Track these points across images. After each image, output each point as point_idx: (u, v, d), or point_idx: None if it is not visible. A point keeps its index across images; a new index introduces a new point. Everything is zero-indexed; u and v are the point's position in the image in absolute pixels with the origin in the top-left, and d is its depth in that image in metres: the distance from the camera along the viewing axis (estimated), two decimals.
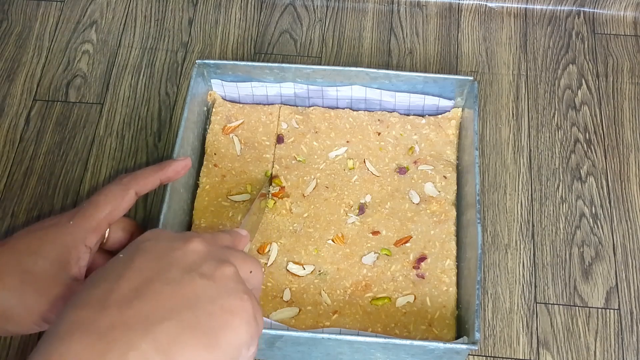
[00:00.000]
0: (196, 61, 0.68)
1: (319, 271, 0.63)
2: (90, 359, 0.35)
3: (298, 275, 0.62)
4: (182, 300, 0.40)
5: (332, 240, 0.64)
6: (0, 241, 0.57)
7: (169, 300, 0.39)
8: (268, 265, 0.63)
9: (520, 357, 0.63)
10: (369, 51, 0.79)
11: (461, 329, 0.60)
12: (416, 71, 0.74)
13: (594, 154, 0.72)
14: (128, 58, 0.79)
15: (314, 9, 0.82)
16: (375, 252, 0.63)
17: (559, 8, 0.81)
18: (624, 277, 0.66)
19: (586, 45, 0.79)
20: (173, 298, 0.40)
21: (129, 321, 0.38)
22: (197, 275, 0.42)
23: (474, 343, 0.54)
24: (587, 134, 0.74)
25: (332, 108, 0.71)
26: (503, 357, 0.63)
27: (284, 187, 0.67)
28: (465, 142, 0.67)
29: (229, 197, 0.66)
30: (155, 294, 0.39)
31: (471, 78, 0.67)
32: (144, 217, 0.69)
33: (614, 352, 0.63)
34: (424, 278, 0.62)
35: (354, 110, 0.71)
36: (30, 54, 0.79)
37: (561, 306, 0.65)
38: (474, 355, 0.63)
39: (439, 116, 0.70)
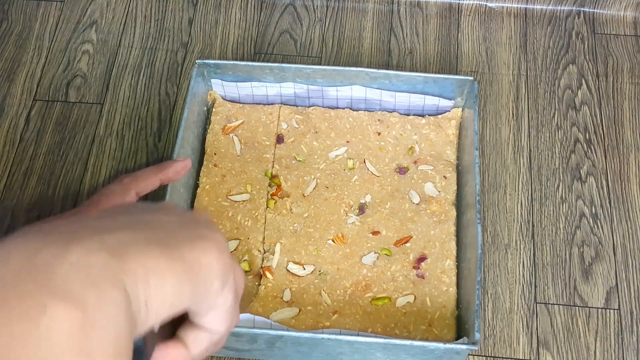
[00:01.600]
0: (196, 61, 0.68)
1: (319, 271, 0.63)
2: (30, 250, 0.30)
3: (298, 276, 0.62)
4: (141, 223, 0.34)
5: (332, 240, 0.64)
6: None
7: (127, 220, 0.34)
8: (272, 267, 0.63)
9: (520, 357, 0.63)
10: (369, 51, 0.79)
11: (461, 329, 0.60)
12: (416, 71, 0.74)
13: (594, 154, 0.72)
14: (128, 58, 0.79)
15: (314, 9, 0.82)
16: (375, 252, 0.63)
17: (559, 8, 0.81)
18: (624, 277, 0.66)
19: (586, 45, 0.79)
20: (131, 220, 0.34)
21: (77, 228, 0.32)
22: (164, 211, 0.36)
23: (474, 343, 0.54)
24: (587, 134, 0.74)
25: (332, 108, 0.71)
26: (503, 357, 0.63)
27: (281, 186, 0.67)
28: (465, 142, 0.67)
29: (228, 197, 0.66)
30: (111, 218, 0.34)
31: (471, 78, 0.67)
32: None
33: (614, 352, 0.63)
34: (424, 278, 0.62)
35: (354, 110, 0.71)
36: (30, 54, 0.79)
37: (561, 306, 0.65)
38: (474, 355, 0.63)
39: (439, 116, 0.70)
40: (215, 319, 0.37)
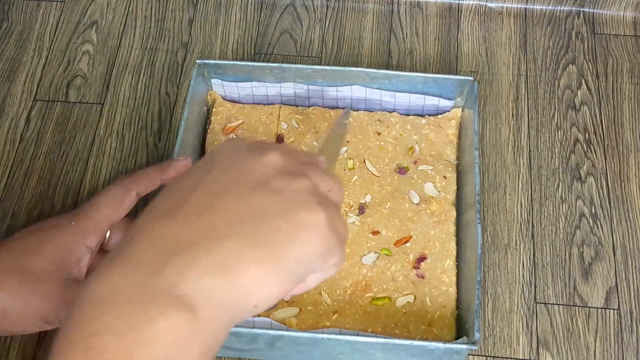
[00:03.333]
0: (196, 61, 0.68)
1: None
2: (152, 266, 0.36)
3: None
4: (247, 214, 0.38)
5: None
6: (0, 241, 0.57)
7: (235, 215, 0.38)
8: None
9: (520, 357, 0.63)
10: (369, 51, 0.79)
11: (461, 329, 0.60)
12: (416, 71, 0.74)
13: (594, 154, 0.72)
14: (128, 58, 0.79)
15: (314, 9, 0.83)
16: (375, 252, 0.63)
17: (559, 8, 0.81)
18: (623, 277, 0.66)
19: (586, 46, 0.79)
20: (239, 213, 0.38)
21: (193, 235, 0.37)
22: (268, 190, 0.40)
23: (473, 343, 0.54)
24: (586, 134, 0.74)
25: (332, 108, 0.72)
26: (503, 357, 0.63)
27: None
28: (465, 142, 0.67)
29: None
30: (222, 209, 0.38)
31: (471, 78, 0.67)
32: None
33: (614, 352, 0.63)
34: (424, 278, 0.62)
35: (354, 110, 0.71)
36: (31, 54, 0.79)
37: (561, 306, 0.65)
38: (473, 355, 0.63)
39: (439, 116, 0.70)
40: (325, 270, 0.42)
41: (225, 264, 0.36)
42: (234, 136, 0.70)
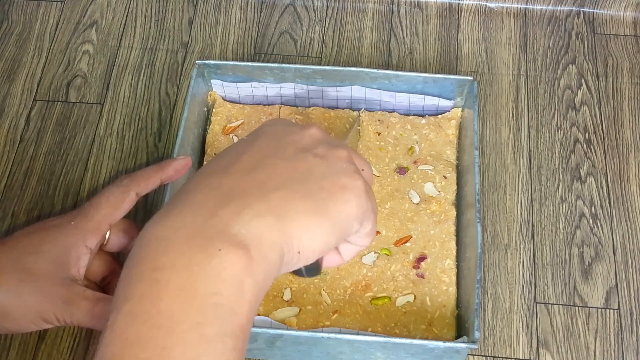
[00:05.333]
0: (196, 61, 0.68)
1: None
2: (210, 208, 0.39)
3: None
4: (295, 173, 0.42)
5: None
6: (0, 240, 0.57)
7: (283, 172, 0.42)
8: None
9: (520, 357, 0.63)
10: (369, 51, 0.80)
11: (461, 329, 0.60)
12: (416, 71, 0.75)
13: (594, 154, 0.72)
14: (128, 58, 0.79)
15: (314, 9, 0.83)
16: (375, 252, 0.63)
17: (559, 8, 0.81)
18: (623, 277, 0.66)
19: (586, 46, 0.79)
20: (287, 171, 0.42)
21: (246, 186, 0.40)
22: (312, 154, 0.44)
23: (473, 342, 0.54)
24: (586, 134, 0.74)
25: (332, 108, 0.72)
26: (503, 357, 0.63)
27: None
28: (465, 142, 0.67)
29: None
30: (271, 167, 0.42)
31: (471, 78, 0.67)
32: (145, 217, 0.69)
33: (614, 352, 0.63)
34: (423, 278, 0.62)
35: (353, 110, 0.71)
36: (31, 54, 0.79)
37: (561, 306, 0.65)
38: (473, 354, 0.63)
39: (439, 116, 0.70)
40: (359, 239, 0.46)
41: (276, 210, 0.40)
42: (234, 137, 0.70)
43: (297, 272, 0.45)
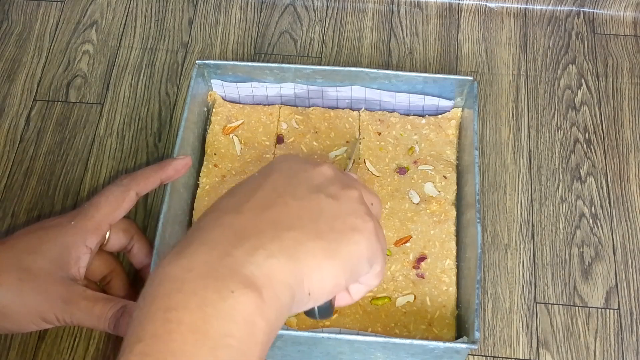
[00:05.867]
0: (196, 61, 0.68)
1: None
2: (224, 248, 0.39)
3: None
4: (307, 212, 0.43)
5: None
6: (0, 239, 0.57)
7: (296, 211, 0.43)
8: None
9: (520, 357, 0.63)
10: (369, 51, 0.79)
11: (461, 329, 0.60)
12: (416, 71, 0.74)
13: (594, 154, 0.72)
14: (128, 58, 0.79)
15: (314, 9, 0.83)
16: None
17: (559, 8, 0.81)
18: (623, 277, 0.66)
19: (586, 46, 0.79)
20: (299, 210, 0.43)
21: (260, 225, 0.41)
22: (324, 194, 0.44)
23: (473, 342, 0.54)
24: (586, 134, 0.74)
25: (332, 108, 0.72)
26: (503, 357, 0.63)
27: None
28: (465, 142, 0.67)
29: None
30: (284, 206, 0.43)
31: (471, 78, 0.67)
32: (144, 217, 0.69)
33: (614, 352, 0.63)
34: (423, 278, 0.62)
35: (353, 110, 0.71)
36: (31, 54, 0.79)
37: (561, 306, 0.65)
38: (473, 355, 0.63)
39: (439, 116, 0.70)
40: (369, 279, 0.46)
41: (288, 250, 0.40)
42: (234, 136, 0.70)
43: (310, 315, 0.46)
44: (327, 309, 0.46)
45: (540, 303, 0.65)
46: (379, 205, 0.50)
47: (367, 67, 0.77)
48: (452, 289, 0.62)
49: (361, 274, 0.44)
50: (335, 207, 0.44)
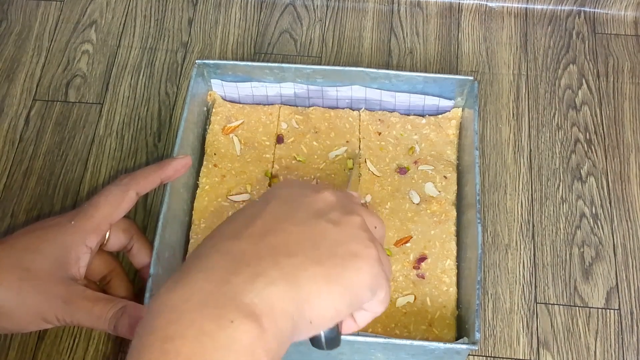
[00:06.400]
0: (196, 61, 0.68)
1: None
2: (222, 275, 0.38)
3: None
4: (308, 238, 0.42)
5: None
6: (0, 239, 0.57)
7: (296, 237, 0.42)
8: None
9: (521, 357, 0.63)
10: (369, 51, 0.79)
11: (461, 329, 0.59)
12: (416, 71, 0.74)
13: (595, 154, 0.72)
14: (128, 58, 0.79)
15: (314, 9, 0.82)
16: None
17: (560, 8, 0.81)
18: (624, 277, 0.66)
19: (587, 45, 0.79)
20: (300, 236, 0.42)
21: (259, 251, 0.40)
22: (325, 219, 0.44)
23: (474, 343, 0.54)
24: (587, 134, 0.74)
25: (332, 108, 0.71)
26: (503, 357, 0.63)
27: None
28: (466, 142, 0.67)
29: (228, 197, 0.66)
30: (284, 232, 0.42)
31: (471, 78, 0.67)
32: (144, 217, 0.69)
33: (614, 352, 0.63)
34: (424, 278, 0.62)
35: (354, 110, 0.71)
36: (30, 53, 0.79)
37: (561, 306, 0.65)
38: (474, 355, 0.63)
39: (439, 116, 0.70)
40: (373, 306, 0.45)
41: (289, 277, 0.39)
42: (234, 136, 0.69)
43: (317, 345, 0.44)
44: (334, 338, 0.44)
45: (540, 303, 0.65)
46: (382, 229, 0.49)
47: (367, 66, 0.77)
48: (453, 290, 0.61)
49: (364, 301, 0.43)
50: (337, 233, 0.43)
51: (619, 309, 0.65)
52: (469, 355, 0.62)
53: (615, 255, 0.67)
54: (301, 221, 0.43)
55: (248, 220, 0.43)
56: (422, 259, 0.63)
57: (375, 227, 0.47)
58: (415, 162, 0.68)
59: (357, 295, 0.42)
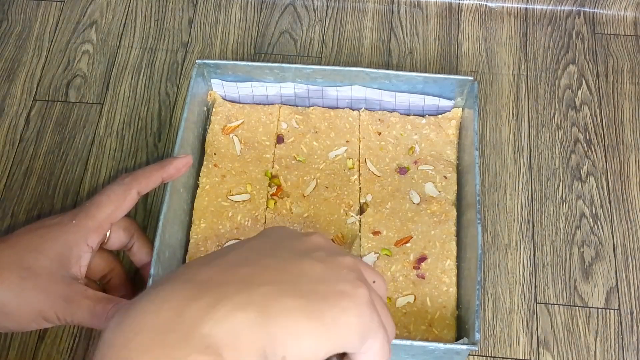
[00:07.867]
0: (196, 61, 0.68)
1: None
2: (180, 303, 0.34)
3: None
4: (288, 272, 0.37)
5: (333, 240, 0.64)
6: (1, 238, 0.57)
7: (273, 271, 0.37)
8: None
9: (520, 357, 0.63)
10: (369, 51, 0.79)
11: (461, 329, 0.60)
12: (416, 71, 0.74)
13: (594, 154, 0.72)
14: (128, 58, 0.79)
15: (314, 9, 0.82)
16: (375, 252, 0.63)
17: (559, 8, 0.81)
18: (624, 277, 0.66)
19: (586, 45, 0.79)
20: (277, 270, 0.37)
21: (226, 279, 0.35)
22: (310, 257, 0.39)
23: (474, 343, 0.54)
24: (587, 134, 0.74)
25: (332, 108, 0.71)
26: (503, 357, 0.63)
27: (281, 186, 0.67)
28: (466, 142, 0.67)
29: (228, 197, 0.66)
30: (260, 265, 0.37)
31: (471, 78, 0.67)
32: (144, 217, 0.69)
33: (614, 352, 0.63)
34: (424, 278, 0.62)
35: (354, 110, 0.71)
36: (30, 54, 0.79)
37: (561, 306, 0.65)
38: (474, 355, 0.63)
39: (439, 116, 0.70)
40: (365, 358, 0.38)
41: (258, 305, 0.34)
42: (234, 136, 0.69)
43: None
44: None
45: (540, 303, 0.65)
46: (382, 284, 0.43)
47: (367, 67, 0.77)
48: (453, 290, 0.61)
49: (350, 349, 0.37)
50: (321, 270, 0.38)
51: (619, 309, 0.65)
52: (469, 355, 0.62)
53: (615, 255, 0.67)
54: (283, 258, 0.38)
55: (223, 252, 0.39)
56: (422, 259, 0.63)
57: (374, 282, 0.42)
58: (415, 162, 0.68)
59: (341, 340, 0.36)
